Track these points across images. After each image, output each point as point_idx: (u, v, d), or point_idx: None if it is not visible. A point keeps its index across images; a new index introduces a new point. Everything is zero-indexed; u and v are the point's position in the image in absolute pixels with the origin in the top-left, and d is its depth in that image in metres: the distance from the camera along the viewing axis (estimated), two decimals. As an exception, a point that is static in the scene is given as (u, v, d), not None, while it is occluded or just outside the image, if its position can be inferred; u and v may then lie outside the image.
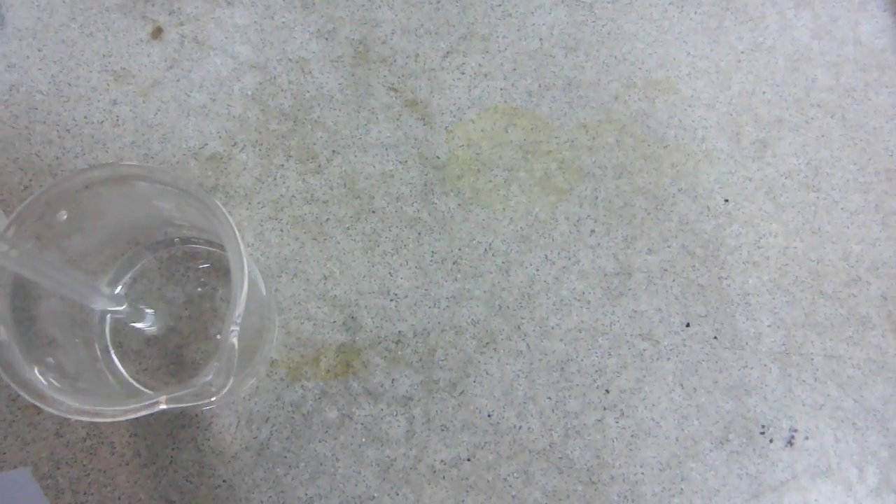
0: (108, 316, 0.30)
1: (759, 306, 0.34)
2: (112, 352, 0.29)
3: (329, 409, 0.30)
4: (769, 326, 0.34)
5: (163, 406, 0.21)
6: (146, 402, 0.21)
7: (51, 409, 0.21)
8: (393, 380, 0.31)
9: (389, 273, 0.32)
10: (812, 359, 0.34)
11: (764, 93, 0.37)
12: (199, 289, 0.31)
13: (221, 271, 0.31)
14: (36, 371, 0.22)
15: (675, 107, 0.37)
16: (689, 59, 0.37)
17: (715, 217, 0.35)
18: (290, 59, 0.35)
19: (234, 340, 0.22)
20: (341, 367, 0.31)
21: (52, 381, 0.22)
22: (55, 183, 0.23)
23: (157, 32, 0.35)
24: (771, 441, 0.33)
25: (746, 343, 0.34)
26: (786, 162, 0.37)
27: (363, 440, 0.30)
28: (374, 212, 0.33)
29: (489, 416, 0.31)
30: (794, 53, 0.38)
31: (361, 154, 0.34)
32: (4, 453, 0.28)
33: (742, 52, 0.38)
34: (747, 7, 0.39)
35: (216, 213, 0.23)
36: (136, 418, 0.28)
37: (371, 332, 0.32)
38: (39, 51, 0.33)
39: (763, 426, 0.33)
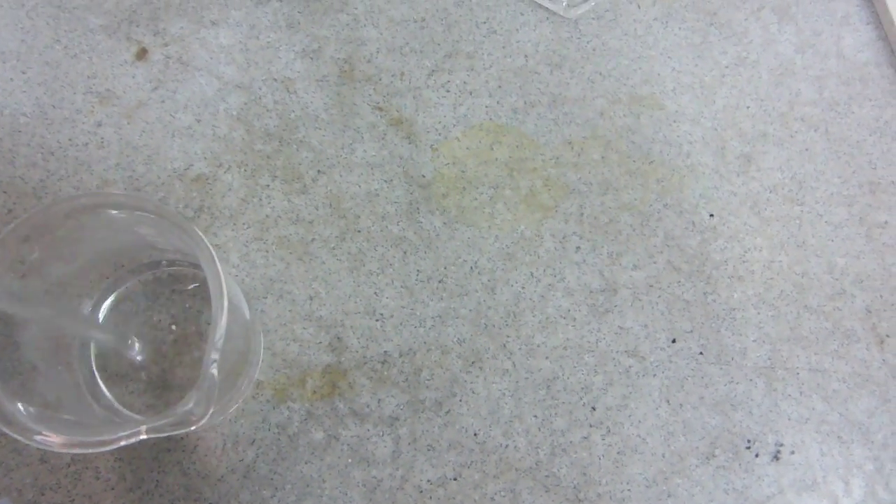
0: (92, 342, 0.30)
1: (744, 321, 0.34)
2: (97, 376, 0.29)
3: (315, 430, 0.30)
4: (754, 341, 0.34)
5: (143, 436, 0.21)
6: (126, 433, 0.21)
7: (31, 443, 0.21)
8: (379, 400, 0.31)
9: (375, 293, 0.32)
10: (797, 373, 0.34)
11: (748, 107, 0.38)
12: (184, 311, 0.31)
13: (206, 293, 0.31)
14: (17, 403, 0.22)
15: (660, 122, 0.37)
16: (674, 75, 0.38)
17: (700, 232, 0.35)
18: (275, 79, 0.35)
19: (214, 370, 0.22)
20: (327, 387, 0.31)
21: (33, 411, 0.22)
22: (36, 212, 0.23)
23: (142, 53, 0.35)
24: (757, 456, 0.33)
25: (732, 358, 0.34)
26: (770, 176, 0.37)
27: (349, 461, 0.30)
28: (359, 231, 0.33)
29: (475, 435, 0.31)
30: (777, 68, 0.39)
31: (347, 173, 0.34)
32: (-11, 479, 0.28)
33: (726, 67, 0.38)
34: (731, 22, 0.39)
35: (195, 240, 0.23)
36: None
37: (357, 352, 0.32)
38: (23, 73, 0.33)
39: (749, 441, 0.33)
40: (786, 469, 0.33)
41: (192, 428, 0.21)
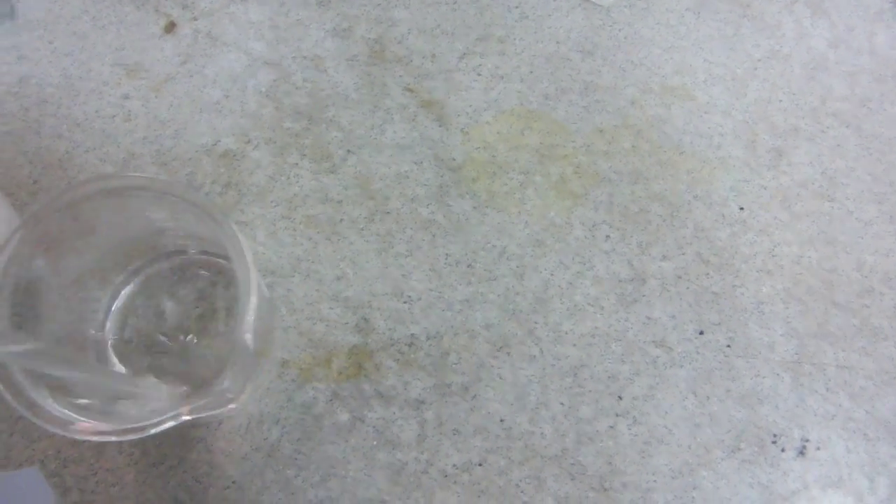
0: (109, 339, 0.29)
1: (772, 315, 0.34)
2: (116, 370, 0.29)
3: (340, 411, 0.30)
4: (782, 335, 0.34)
5: (185, 417, 0.20)
6: (170, 415, 0.20)
7: (79, 436, 0.20)
8: (405, 383, 0.31)
9: (403, 275, 0.32)
10: (824, 369, 0.34)
11: (780, 101, 0.37)
12: (202, 298, 0.30)
13: (221, 278, 0.30)
14: (49, 399, 0.21)
15: (692, 113, 0.36)
16: (706, 66, 0.37)
17: (730, 225, 0.35)
18: (304, 57, 0.34)
19: (249, 342, 0.21)
20: (353, 368, 0.31)
21: (66, 405, 0.22)
22: (51, 200, 0.22)
23: (171, 27, 0.34)
24: (783, 450, 0.33)
25: (759, 352, 0.34)
26: (801, 171, 0.36)
27: (374, 443, 0.30)
28: (388, 213, 0.33)
29: (501, 420, 0.31)
30: (810, 62, 0.38)
31: (376, 154, 0.33)
32: (11, 451, 0.28)
33: (758, 60, 0.38)
34: (764, 15, 0.39)
35: (218, 221, 0.22)
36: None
37: (384, 334, 0.31)
38: (51, 43, 0.33)
39: (775, 435, 0.33)
40: (811, 465, 0.33)
41: (231, 406, 0.21)
